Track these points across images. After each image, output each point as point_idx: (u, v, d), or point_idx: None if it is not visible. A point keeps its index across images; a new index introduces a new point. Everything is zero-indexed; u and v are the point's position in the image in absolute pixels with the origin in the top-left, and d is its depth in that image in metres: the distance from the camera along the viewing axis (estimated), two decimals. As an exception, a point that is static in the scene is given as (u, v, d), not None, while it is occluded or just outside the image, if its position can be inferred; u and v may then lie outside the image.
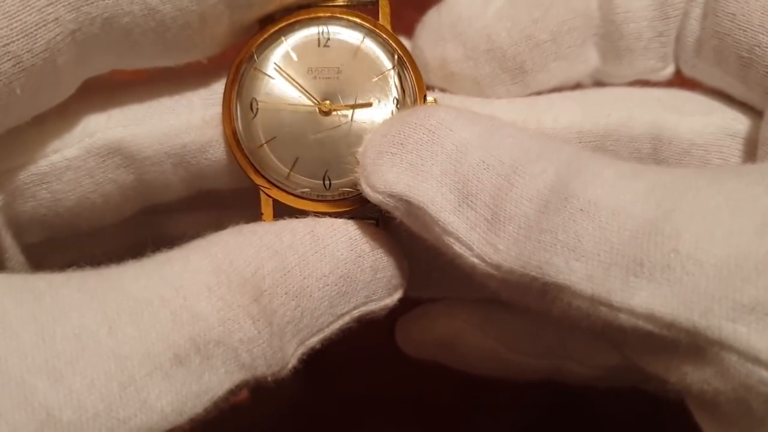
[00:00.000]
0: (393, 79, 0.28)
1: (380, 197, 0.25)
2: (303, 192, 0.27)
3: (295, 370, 0.25)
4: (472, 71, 0.30)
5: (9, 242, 0.29)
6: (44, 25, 0.24)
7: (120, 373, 0.20)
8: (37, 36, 0.24)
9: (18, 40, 0.23)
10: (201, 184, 0.30)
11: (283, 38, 0.28)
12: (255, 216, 0.28)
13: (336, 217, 0.27)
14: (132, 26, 0.25)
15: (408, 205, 0.25)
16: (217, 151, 0.28)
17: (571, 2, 0.29)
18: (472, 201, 0.24)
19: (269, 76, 0.28)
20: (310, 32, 0.28)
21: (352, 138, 0.27)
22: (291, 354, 0.25)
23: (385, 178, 0.25)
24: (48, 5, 0.24)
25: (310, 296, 0.25)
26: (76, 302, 0.21)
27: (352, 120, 0.27)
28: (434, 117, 0.25)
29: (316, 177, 0.27)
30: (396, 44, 0.28)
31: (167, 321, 0.22)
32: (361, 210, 0.27)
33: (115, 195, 0.29)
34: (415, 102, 0.28)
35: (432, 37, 0.30)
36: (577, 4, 0.29)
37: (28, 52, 0.24)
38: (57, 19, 0.24)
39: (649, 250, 0.21)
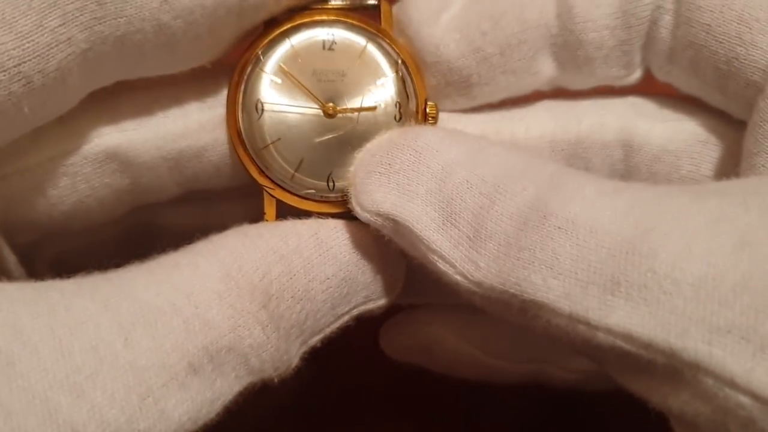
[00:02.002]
0: (396, 84, 0.28)
1: (368, 216, 0.26)
2: (307, 193, 0.28)
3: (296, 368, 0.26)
4: None
5: (1, 243, 0.29)
6: (56, 46, 0.24)
7: (138, 385, 0.21)
8: (49, 57, 0.24)
9: (30, 60, 0.23)
10: (194, 185, 0.30)
11: (288, 40, 0.28)
12: (244, 208, 0.29)
13: (338, 218, 0.27)
14: (143, 42, 0.26)
15: (395, 223, 0.25)
16: (213, 154, 0.29)
17: (523, 14, 0.28)
18: (455, 219, 0.24)
19: (275, 78, 0.28)
20: (315, 35, 0.28)
21: (356, 140, 0.28)
22: (295, 354, 0.25)
23: (372, 197, 0.25)
24: (61, 25, 0.24)
25: (314, 299, 0.25)
26: (90, 313, 0.21)
27: (357, 123, 0.28)
28: (422, 138, 0.26)
29: (320, 178, 0.28)
30: (399, 49, 0.29)
31: (180, 330, 0.22)
32: None
33: (110, 198, 0.29)
34: (416, 106, 0.28)
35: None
36: (529, 16, 0.28)
37: (39, 72, 0.24)
38: (69, 39, 0.24)
39: (626, 270, 0.21)
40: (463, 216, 0.24)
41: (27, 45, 0.23)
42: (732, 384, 0.19)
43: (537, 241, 0.22)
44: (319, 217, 0.27)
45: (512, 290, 0.22)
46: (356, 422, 0.40)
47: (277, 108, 0.28)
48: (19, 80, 0.23)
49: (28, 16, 0.23)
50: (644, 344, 0.20)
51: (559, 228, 0.22)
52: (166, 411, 0.21)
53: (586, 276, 0.21)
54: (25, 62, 0.23)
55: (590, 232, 0.22)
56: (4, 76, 0.23)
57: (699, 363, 0.20)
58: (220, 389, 0.23)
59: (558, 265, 0.22)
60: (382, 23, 0.29)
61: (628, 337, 0.20)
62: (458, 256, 0.24)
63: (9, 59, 0.23)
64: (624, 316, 0.20)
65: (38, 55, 0.24)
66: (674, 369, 0.20)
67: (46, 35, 0.24)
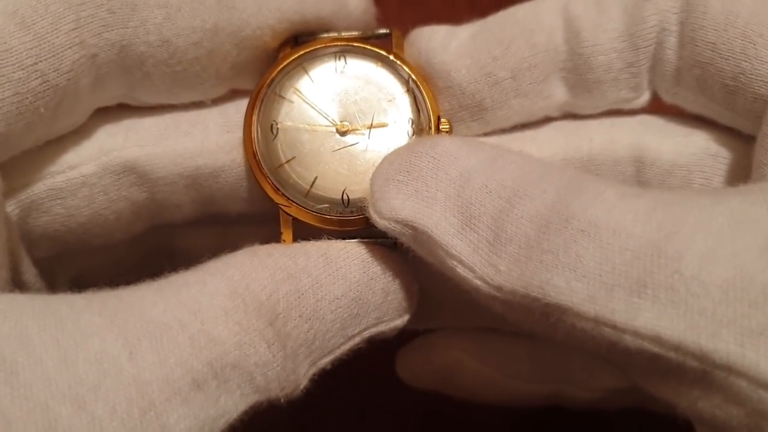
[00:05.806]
0: (407, 101, 0.29)
1: (387, 223, 0.25)
2: (322, 209, 0.28)
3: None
4: None
5: (23, 255, 0.29)
6: (70, 47, 0.25)
7: (140, 398, 0.21)
8: (64, 57, 0.25)
9: (47, 59, 0.25)
10: (211, 206, 0.30)
11: (302, 65, 0.29)
12: (260, 232, 0.29)
13: (354, 234, 0.28)
14: (146, 56, 0.27)
15: (413, 230, 0.25)
16: (229, 176, 0.29)
17: (533, 38, 0.29)
18: (474, 224, 0.24)
19: (289, 100, 0.29)
20: (328, 60, 0.29)
21: (369, 156, 0.28)
22: (303, 375, 0.25)
23: (391, 204, 0.25)
24: (74, 29, 0.25)
25: (323, 319, 0.25)
26: (97, 327, 0.21)
27: (369, 138, 0.28)
28: (440, 146, 0.26)
29: (334, 194, 0.28)
30: (410, 69, 0.29)
31: (186, 346, 0.22)
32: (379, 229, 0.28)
33: (126, 213, 0.30)
34: (429, 123, 0.29)
35: None
36: (539, 40, 0.29)
37: (55, 71, 0.25)
38: (82, 42, 0.26)
39: (652, 271, 0.21)
40: (482, 220, 0.24)
41: (44, 45, 0.25)
42: (767, 386, 0.19)
43: (559, 244, 0.22)
44: (332, 237, 0.27)
45: (534, 293, 0.22)
46: (355, 424, 0.40)
47: (291, 128, 0.28)
48: (38, 77, 0.25)
49: (45, 19, 0.25)
50: (674, 346, 0.20)
51: (581, 231, 0.22)
52: (167, 426, 0.21)
53: (611, 278, 0.21)
54: (41, 61, 0.25)
55: (613, 235, 0.22)
56: (24, 73, 0.24)
57: (732, 365, 0.20)
58: (225, 406, 0.22)
59: (581, 267, 0.22)
60: (394, 49, 0.30)
61: (656, 339, 0.20)
62: (478, 260, 0.24)
63: (28, 57, 0.24)
64: (652, 318, 0.20)
65: (54, 55, 0.25)
66: (704, 372, 0.20)
67: (60, 37, 0.25)
